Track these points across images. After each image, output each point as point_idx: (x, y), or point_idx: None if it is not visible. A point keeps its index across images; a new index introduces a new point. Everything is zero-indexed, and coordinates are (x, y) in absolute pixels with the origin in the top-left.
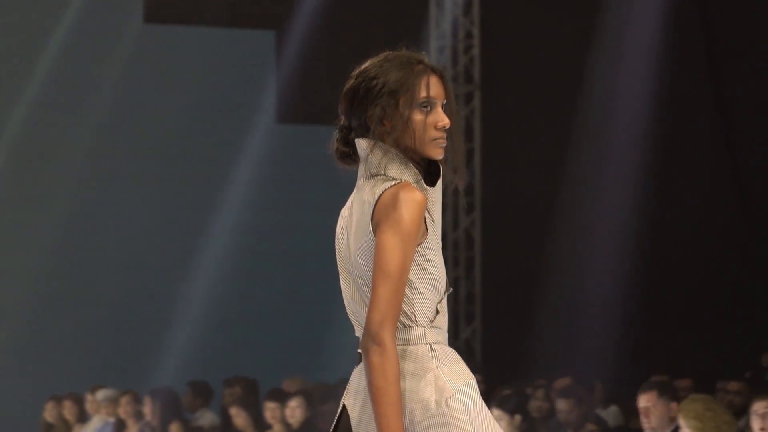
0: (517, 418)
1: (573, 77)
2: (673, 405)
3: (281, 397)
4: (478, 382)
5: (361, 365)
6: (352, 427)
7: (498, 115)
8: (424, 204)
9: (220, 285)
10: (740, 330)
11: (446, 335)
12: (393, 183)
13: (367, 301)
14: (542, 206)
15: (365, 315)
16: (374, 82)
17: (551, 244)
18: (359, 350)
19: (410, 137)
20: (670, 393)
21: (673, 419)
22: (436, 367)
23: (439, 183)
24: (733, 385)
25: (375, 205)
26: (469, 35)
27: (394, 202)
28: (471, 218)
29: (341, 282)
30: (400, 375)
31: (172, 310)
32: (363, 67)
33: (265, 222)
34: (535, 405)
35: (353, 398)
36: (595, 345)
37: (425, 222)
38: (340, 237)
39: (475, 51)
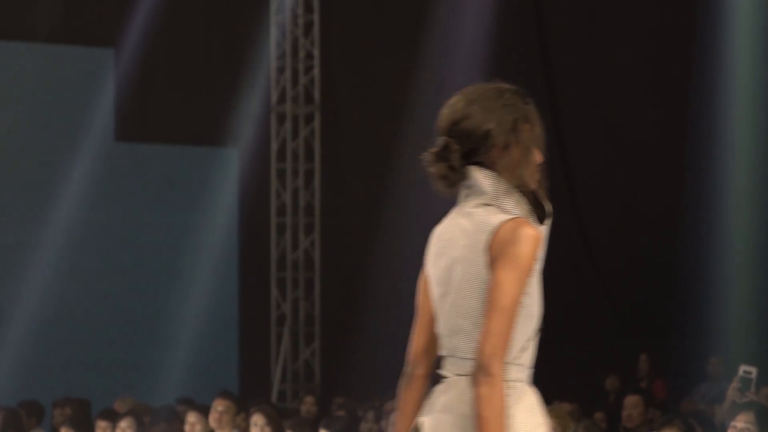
0: None
1: (411, 98)
2: None
3: (112, 417)
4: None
5: (444, 385)
6: None
7: (338, 136)
8: (540, 241)
9: (51, 303)
10: (581, 355)
11: (529, 372)
12: (510, 217)
13: (464, 326)
14: (381, 226)
15: (460, 339)
16: (504, 115)
17: (390, 264)
18: (445, 372)
19: (525, 171)
20: None
21: None
22: (511, 406)
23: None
24: (566, 407)
25: (492, 236)
26: (309, 56)
27: (513, 238)
28: (310, 239)
29: (433, 301)
30: (505, 407)
31: (2, 328)
32: (475, 93)
33: (99, 240)
34: (366, 427)
35: (430, 416)
36: None
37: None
38: (436, 259)
39: (315, 72)
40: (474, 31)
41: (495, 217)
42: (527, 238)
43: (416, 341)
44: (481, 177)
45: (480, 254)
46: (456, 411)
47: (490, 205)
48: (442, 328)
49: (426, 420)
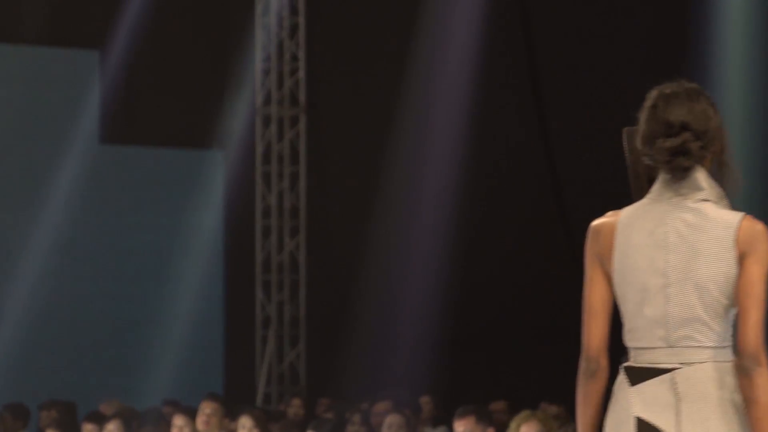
0: None
1: (396, 101)
2: (490, 430)
3: (99, 420)
4: (299, 407)
5: (673, 375)
6: None
7: (323, 138)
8: None
9: (37, 306)
10: (560, 354)
11: None
12: (742, 214)
13: (702, 316)
14: (366, 229)
15: (694, 328)
16: (717, 117)
17: (375, 267)
18: (662, 361)
19: (729, 172)
20: (487, 418)
21: None
22: None
23: None
24: (552, 409)
25: (737, 232)
26: (294, 58)
27: (756, 234)
28: (296, 242)
29: (632, 291)
30: None
31: None
32: (688, 91)
33: (85, 242)
34: (352, 430)
35: (654, 412)
36: (418, 366)
37: None
38: (653, 251)
39: (301, 74)
40: (462, 35)
41: (730, 214)
42: (765, 234)
43: (598, 334)
44: (702, 174)
45: (728, 250)
46: (713, 397)
47: (708, 200)
48: (656, 317)
49: (684, 408)
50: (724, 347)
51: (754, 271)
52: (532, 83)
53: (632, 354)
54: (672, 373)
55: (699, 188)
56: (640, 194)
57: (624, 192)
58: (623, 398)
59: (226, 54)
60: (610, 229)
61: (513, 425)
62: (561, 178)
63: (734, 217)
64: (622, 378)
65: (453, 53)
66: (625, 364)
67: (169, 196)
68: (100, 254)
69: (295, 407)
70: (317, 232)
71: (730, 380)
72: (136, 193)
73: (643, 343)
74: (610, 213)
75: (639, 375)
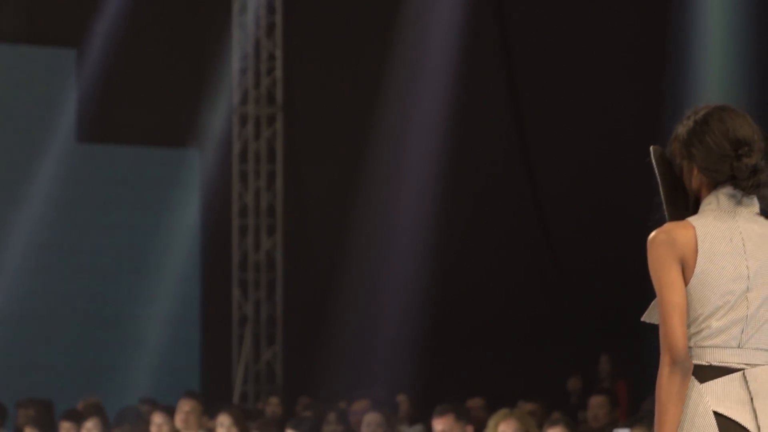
0: None
1: (373, 100)
2: (469, 428)
3: (77, 418)
4: (277, 405)
5: (723, 379)
6: None
7: (300, 137)
8: None
9: (13, 304)
10: (543, 355)
11: None
12: None
13: None
14: (342, 227)
15: (761, 333)
16: None
17: (351, 266)
18: (738, 363)
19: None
20: (465, 416)
21: None
22: None
23: None
24: (528, 407)
25: None
26: (271, 57)
27: None
28: (272, 240)
29: (731, 296)
30: None
31: None
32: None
33: (62, 240)
34: (329, 429)
35: (729, 408)
36: (395, 365)
37: None
38: (733, 258)
39: (278, 73)
40: (441, 35)
41: None
42: None
43: (683, 335)
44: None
45: None
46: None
47: (759, 214)
48: (736, 319)
49: (758, 405)
50: None
51: None
52: (511, 89)
53: (694, 353)
54: (742, 372)
55: (755, 203)
56: (683, 208)
57: (603, 198)
58: (696, 394)
59: (203, 53)
60: (690, 237)
61: (491, 423)
62: (541, 183)
63: None
64: None
65: (432, 52)
66: (693, 362)
67: (145, 194)
68: (76, 252)
69: (272, 406)
70: (294, 231)
71: None
72: (113, 191)
73: (714, 342)
74: (672, 224)
75: (709, 372)
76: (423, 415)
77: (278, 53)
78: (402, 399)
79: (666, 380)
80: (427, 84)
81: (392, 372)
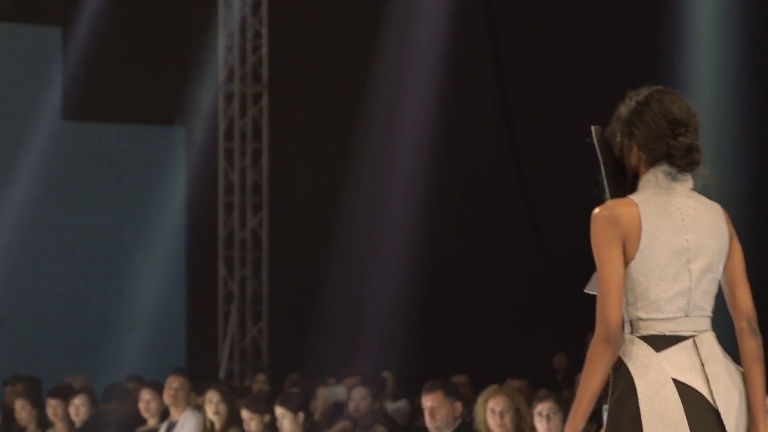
0: (301, 415)
1: (360, 78)
2: (458, 404)
3: (65, 394)
4: (264, 382)
5: (692, 342)
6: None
7: (286, 115)
8: None
9: (0, 282)
10: (529, 335)
11: None
12: (714, 201)
13: (711, 289)
14: (328, 206)
15: (707, 299)
16: None
17: (337, 244)
18: (682, 329)
19: None
20: (455, 393)
21: (457, 418)
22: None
23: None
24: (515, 383)
25: (725, 216)
26: (257, 35)
27: (729, 219)
28: (258, 218)
29: (658, 268)
30: None
31: None
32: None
33: (47, 219)
34: (314, 405)
35: (685, 374)
36: (380, 343)
37: None
38: (674, 232)
39: (263, 51)
40: (430, 15)
41: (711, 201)
42: None
43: (619, 310)
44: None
45: (724, 230)
46: (722, 361)
47: (693, 189)
48: (681, 290)
49: (709, 370)
50: (712, 316)
51: (739, 249)
52: (500, 80)
53: (645, 324)
54: (693, 338)
55: (689, 179)
56: (623, 185)
57: (588, 186)
58: (655, 363)
59: (188, 31)
60: (633, 214)
61: (481, 400)
62: (528, 171)
63: (715, 203)
64: (643, 345)
65: (422, 31)
66: (643, 333)
67: (131, 172)
68: (62, 230)
69: (259, 383)
70: (279, 209)
71: (719, 345)
72: (99, 169)
73: (664, 314)
74: (614, 201)
75: (662, 342)
76: (408, 392)
77: (264, 31)
78: (387, 375)
79: (597, 353)
80: (416, 64)
81: (378, 350)
